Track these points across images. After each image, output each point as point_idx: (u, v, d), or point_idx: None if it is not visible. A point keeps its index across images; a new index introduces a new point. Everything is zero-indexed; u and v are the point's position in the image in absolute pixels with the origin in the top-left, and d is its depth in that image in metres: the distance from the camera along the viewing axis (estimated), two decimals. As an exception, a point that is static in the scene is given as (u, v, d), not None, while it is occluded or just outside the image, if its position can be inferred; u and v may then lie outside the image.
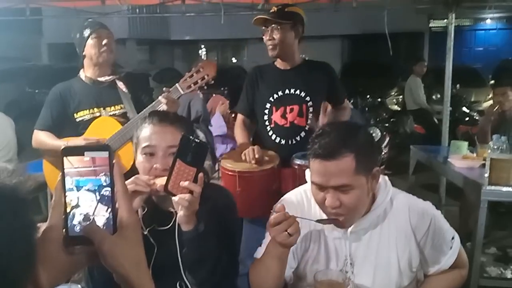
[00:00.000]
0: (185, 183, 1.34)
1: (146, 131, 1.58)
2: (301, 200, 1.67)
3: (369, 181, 1.46)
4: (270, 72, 2.77)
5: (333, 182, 1.41)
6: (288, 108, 2.69)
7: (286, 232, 1.38)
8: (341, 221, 1.48)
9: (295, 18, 2.69)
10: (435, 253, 1.57)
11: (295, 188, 2.44)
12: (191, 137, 1.36)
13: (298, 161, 2.49)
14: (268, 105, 2.72)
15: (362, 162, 1.41)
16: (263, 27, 2.68)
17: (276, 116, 2.70)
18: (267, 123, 2.72)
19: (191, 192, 1.35)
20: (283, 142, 2.68)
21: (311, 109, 2.70)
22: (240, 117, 2.85)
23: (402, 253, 1.55)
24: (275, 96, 2.71)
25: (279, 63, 2.79)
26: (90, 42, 2.68)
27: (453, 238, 1.59)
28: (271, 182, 2.44)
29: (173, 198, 1.37)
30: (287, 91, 2.70)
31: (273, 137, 2.70)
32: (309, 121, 2.68)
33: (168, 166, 1.49)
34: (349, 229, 1.54)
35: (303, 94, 2.70)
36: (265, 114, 2.72)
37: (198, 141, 1.35)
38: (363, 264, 1.55)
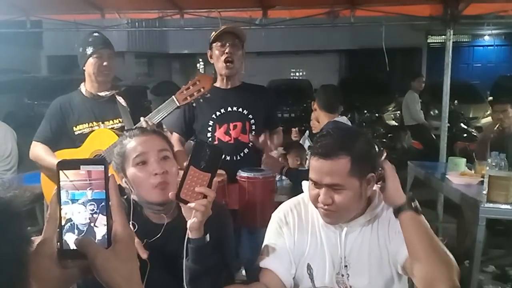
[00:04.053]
0: (201, 189, 1.34)
1: (131, 144, 1.57)
2: (298, 205, 1.72)
3: (363, 185, 1.51)
4: (211, 91, 2.65)
5: (327, 180, 1.49)
6: (231, 125, 2.70)
7: None
8: (330, 216, 1.54)
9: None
10: None
11: (240, 203, 2.52)
12: (204, 142, 1.36)
13: (245, 174, 2.52)
14: (211, 122, 2.72)
15: (357, 165, 1.48)
16: (218, 42, 2.69)
17: (220, 133, 2.71)
18: (210, 140, 2.71)
19: (205, 197, 1.36)
20: (228, 158, 2.66)
21: (253, 127, 2.73)
22: (175, 136, 2.83)
23: (396, 252, 1.56)
24: (218, 113, 2.72)
25: (220, 83, 2.80)
26: (90, 60, 2.69)
27: None
28: (220, 196, 2.42)
29: (188, 205, 1.36)
30: (229, 109, 2.72)
31: None
32: (251, 137, 2.69)
33: (164, 169, 1.51)
34: (344, 231, 1.59)
35: (245, 111, 2.73)
36: (208, 131, 2.72)
37: (213, 146, 1.36)
38: (358, 265, 1.58)
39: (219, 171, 2.46)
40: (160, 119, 2.43)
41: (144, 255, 1.36)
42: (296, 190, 1.73)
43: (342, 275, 1.58)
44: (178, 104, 2.41)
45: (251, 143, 2.70)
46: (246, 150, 2.71)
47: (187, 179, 1.34)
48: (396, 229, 1.56)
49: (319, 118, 3.24)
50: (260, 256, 1.64)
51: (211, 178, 1.35)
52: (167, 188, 1.52)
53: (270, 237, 1.68)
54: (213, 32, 2.74)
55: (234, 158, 2.68)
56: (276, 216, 1.72)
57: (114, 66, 2.77)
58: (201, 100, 2.51)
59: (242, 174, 2.54)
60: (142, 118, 2.39)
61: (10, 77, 10.94)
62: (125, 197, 1.65)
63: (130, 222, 1.57)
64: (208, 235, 1.44)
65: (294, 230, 1.66)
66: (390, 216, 1.58)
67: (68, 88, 2.88)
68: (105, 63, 2.70)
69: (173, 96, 2.42)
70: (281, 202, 1.80)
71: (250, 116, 2.72)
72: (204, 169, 1.34)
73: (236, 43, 2.69)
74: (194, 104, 2.57)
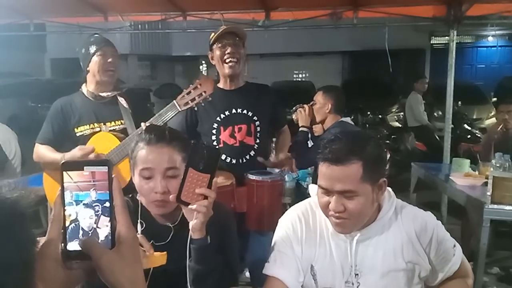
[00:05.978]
0: (201, 190, 1.35)
1: (142, 152, 1.56)
2: (306, 212, 1.69)
3: (375, 191, 1.48)
4: (215, 93, 2.54)
5: (338, 187, 1.44)
6: (236, 128, 2.67)
7: None
8: (343, 225, 1.50)
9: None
10: (440, 261, 1.59)
11: (248, 206, 2.50)
12: (201, 144, 1.36)
13: (254, 177, 2.50)
14: (215, 125, 2.68)
15: (369, 170, 1.44)
16: (218, 43, 2.67)
17: (225, 136, 2.68)
18: (215, 143, 2.68)
19: (205, 198, 1.36)
20: (234, 161, 2.66)
21: (258, 129, 2.71)
22: None
23: (409, 261, 1.56)
24: (222, 116, 2.69)
25: (223, 84, 2.77)
26: (95, 59, 2.69)
27: (454, 245, 1.62)
28: (229, 200, 2.41)
29: (189, 206, 1.37)
30: (234, 111, 2.69)
31: (223, 157, 2.66)
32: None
33: (167, 189, 1.51)
34: (355, 239, 1.56)
35: (250, 113, 2.70)
36: (213, 134, 2.69)
37: (209, 147, 1.35)
38: (370, 273, 1.56)
39: (228, 175, 2.49)
40: (161, 124, 2.42)
41: (151, 250, 1.35)
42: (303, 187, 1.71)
43: (352, 284, 1.56)
44: (180, 109, 2.39)
45: (256, 145, 2.69)
46: (252, 153, 2.69)
47: (187, 181, 1.34)
48: (412, 237, 1.55)
49: (327, 120, 3.22)
50: (267, 264, 1.62)
51: (210, 178, 1.36)
52: (166, 206, 1.54)
53: (277, 244, 1.65)
54: (212, 34, 2.72)
55: (240, 161, 2.67)
56: (283, 223, 1.69)
57: (118, 65, 2.77)
58: (203, 104, 2.49)
59: (250, 177, 2.51)
60: (142, 124, 2.37)
61: (14, 80, 10.95)
62: (131, 195, 1.66)
63: (138, 221, 1.59)
64: (209, 236, 1.45)
65: (302, 238, 1.63)
66: (404, 222, 1.57)
67: (72, 91, 2.87)
68: (109, 60, 2.70)
69: (174, 101, 2.40)
70: (285, 204, 1.79)
71: (255, 118, 2.70)
72: (203, 170, 1.35)
73: (237, 42, 2.67)
74: (195, 108, 2.53)
